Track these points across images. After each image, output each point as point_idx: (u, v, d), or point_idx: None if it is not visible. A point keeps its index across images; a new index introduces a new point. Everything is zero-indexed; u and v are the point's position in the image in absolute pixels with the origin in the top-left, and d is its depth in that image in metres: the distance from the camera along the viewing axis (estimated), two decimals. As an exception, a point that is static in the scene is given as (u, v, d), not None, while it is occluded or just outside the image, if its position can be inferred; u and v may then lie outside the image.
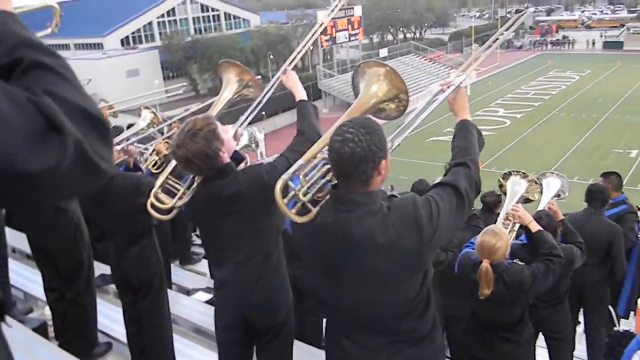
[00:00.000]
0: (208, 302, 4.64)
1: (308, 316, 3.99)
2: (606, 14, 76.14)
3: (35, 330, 3.77)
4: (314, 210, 1.92)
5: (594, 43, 58.10)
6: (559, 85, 41.38)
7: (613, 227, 4.84)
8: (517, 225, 3.91)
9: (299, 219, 1.91)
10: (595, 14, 76.38)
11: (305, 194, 1.91)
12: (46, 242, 3.53)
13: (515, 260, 3.41)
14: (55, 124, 0.83)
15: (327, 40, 41.48)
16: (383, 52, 46.73)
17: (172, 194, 2.62)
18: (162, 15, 49.57)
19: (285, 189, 1.93)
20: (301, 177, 1.94)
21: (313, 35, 2.96)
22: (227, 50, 44.69)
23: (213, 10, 53.01)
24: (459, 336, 3.72)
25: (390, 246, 1.82)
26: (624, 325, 5.60)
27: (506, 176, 4.40)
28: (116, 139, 3.78)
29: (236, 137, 2.79)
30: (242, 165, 2.60)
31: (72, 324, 3.61)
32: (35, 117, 0.82)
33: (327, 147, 1.89)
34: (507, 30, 2.82)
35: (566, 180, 4.78)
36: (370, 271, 1.88)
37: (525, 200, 4.31)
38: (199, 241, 6.73)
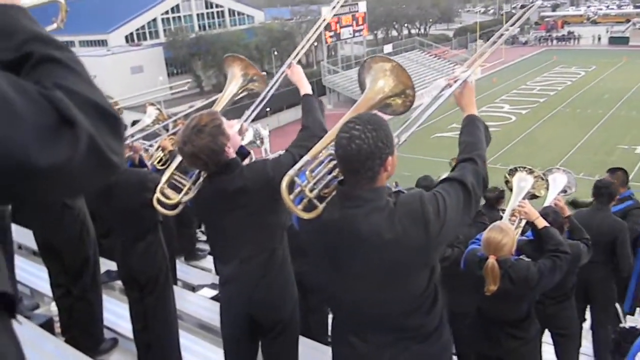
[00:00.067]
0: (213, 298, 4.65)
1: (313, 312, 3.99)
2: (612, 9, 75.68)
3: (41, 326, 3.78)
4: (321, 206, 1.91)
5: (599, 38, 57.79)
6: (564, 81, 41.20)
7: (618, 223, 4.81)
8: (524, 222, 3.90)
9: (306, 215, 1.90)
10: (601, 9, 75.94)
11: (311, 190, 1.91)
12: (52, 238, 3.54)
13: (521, 257, 3.40)
14: (67, 117, 0.82)
15: (331, 37, 41.44)
16: (387, 48, 46.62)
17: (178, 190, 2.62)
18: (167, 12, 49.63)
19: (292, 185, 1.93)
20: (307, 173, 1.94)
21: (318, 28, 2.94)
22: (231, 46, 44.63)
23: (217, 6, 53.04)
24: (465, 333, 3.71)
25: (397, 242, 1.81)
26: (630, 322, 5.58)
27: (512, 172, 4.38)
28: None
29: (241, 132, 2.79)
30: (246, 161, 2.59)
31: (78, 320, 3.62)
32: (47, 111, 0.81)
33: (333, 144, 1.89)
34: (513, 24, 2.80)
35: (573, 176, 4.76)
36: (377, 267, 1.88)
37: (532, 197, 4.29)
38: (204, 237, 6.74)
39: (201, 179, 2.54)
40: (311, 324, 3.98)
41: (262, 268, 2.56)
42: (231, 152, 2.46)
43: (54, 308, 3.87)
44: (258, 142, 6.11)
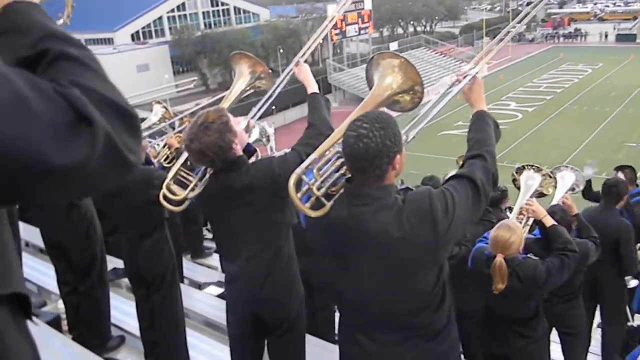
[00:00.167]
0: (219, 296, 4.65)
1: (320, 311, 3.98)
2: (619, 6, 75.14)
3: (48, 323, 3.79)
4: (328, 204, 1.90)
5: (606, 36, 57.42)
6: (571, 79, 40.99)
7: (621, 223, 4.75)
8: (531, 220, 3.88)
9: (313, 213, 1.90)
10: (608, 6, 75.39)
11: (319, 188, 1.90)
12: (59, 236, 3.55)
13: (529, 255, 3.38)
14: (84, 115, 0.81)
15: (337, 34, 41.37)
16: (393, 46, 46.48)
17: (184, 186, 2.62)
18: (172, 10, 49.66)
19: (299, 183, 1.92)
20: (315, 171, 1.93)
21: (325, 28, 2.94)
22: (237, 44, 44.57)
23: (223, 4, 53.03)
24: (473, 331, 3.69)
25: (405, 240, 1.80)
26: (638, 321, 5.55)
27: (520, 170, 4.36)
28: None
29: (248, 129, 2.79)
30: (252, 159, 2.59)
31: (85, 318, 3.63)
32: (64, 109, 0.80)
33: (340, 142, 1.88)
34: (520, 21, 2.79)
35: (580, 174, 4.74)
36: (385, 265, 1.87)
37: (539, 195, 4.27)
38: (210, 235, 6.74)
39: (207, 176, 2.54)
40: (318, 322, 3.97)
41: (267, 266, 2.56)
42: (238, 149, 2.45)
43: (61, 305, 3.88)
44: (264, 139, 6.11)
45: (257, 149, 3.36)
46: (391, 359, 1.99)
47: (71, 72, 0.87)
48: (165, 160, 4.22)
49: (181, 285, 3.85)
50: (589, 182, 5.96)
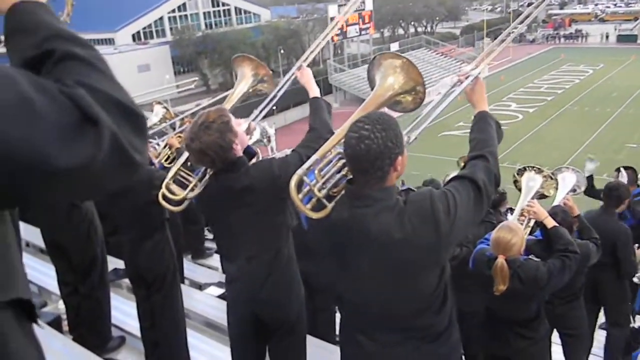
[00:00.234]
0: (220, 296, 4.65)
1: (321, 312, 3.98)
2: (620, 7, 75.10)
3: (49, 324, 3.79)
4: (329, 205, 1.90)
5: (607, 36, 57.39)
6: (572, 79, 40.96)
7: (619, 227, 4.74)
8: (532, 221, 3.87)
9: (315, 215, 1.89)
10: (609, 7, 75.33)
11: (320, 190, 1.90)
12: (60, 237, 3.55)
13: (530, 256, 3.38)
14: (90, 115, 0.80)
15: (337, 35, 41.31)
16: (394, 47, 46.44)
17: (183, 186, 2.62)
18: (173, 11, 49.66)
19: (301, 185, 1.92)
20: (316, 172, 1.92)
21: (330, 31, 2.95)
22: (237, 45, 44.64)
23: (224, 5, 53.03)
24: (474, 332, 3.69)
25: (407, 241, 1.79)
26: (638, 321, 5.54)
27: (521, 172, 4.36)
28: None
29: (249, 131, 2.79)
30: (253, 161, 2.59)
31: (86, 318, 3.63)
32: (69, 110, 0.79)
33: (342, 143, 1.87)
34: (522, 22, 2.78)
35: (582, 175, 4.73)
36: (386, 267, 1.86)
37: (541, 196, 4.26)
38: (211, 236, 6.74)
39: (207, 177, 2.53)
40: (319, 323, 3.96)
41: (267, 267, 2.55)
42: (239, 150, 2.45)
43: (61, 306, 3.87)
44: (265, 140, 6.11)
45: (258, 149, 3.34)
46: None
47: (77, 72, 0.87)
48: (166, 160, 4.22)
49: (182, 285, 3.85)
50: (590, 179, 5.95)
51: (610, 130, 28.56)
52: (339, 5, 41.82)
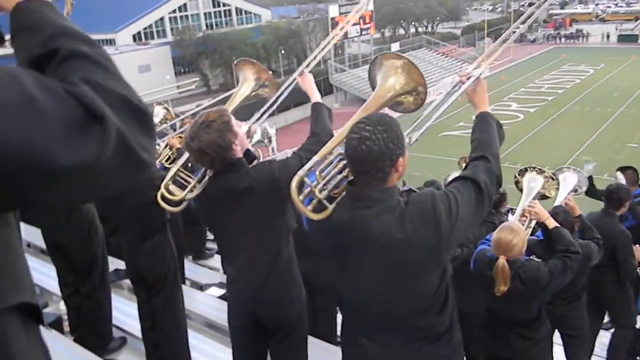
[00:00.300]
0: (221, 297, 4.65)
1: (322, 312, 3.98)
2: (621, 6, 75.06)
3: (50, 324, 3.79)
4: (330, 207, 1.89)
5: (608, 36, 57.36)
6: (572, 79, 40.93)
7: (618, 230, 4.72)
8: (534, 222, 3.87)
9: (315, 216, 1.89)
10: (610, 6, 75.30)
11: (321, 191, 1.89)
12: (60, 237, 3.54)
13: (532, 257, 3.37)
14: (95, 113, 0.79)
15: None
16: (395, 47, 46.45)
17: (183, 187, 2.61)
18: (174, 11, 49.69)
19: (301, 186, 1.91)
20: (317, 173, 1.92)
21: (332, 40, 2.97)
22: (238, 45, 44.68)
23: (224, 5, 53.06)
24: (475, 333, 3.68)
25: (408, 242, 1.79)
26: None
27: (522, 172, 4.36)
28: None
29: (249, 134, 2.78)
30: (253, 164, 2.58)
31: (87, 319, 3.62)
32: (73, 108, 0.78)
33: (343, 144, 1.87)
34: (524, 22, 2.77)
35: (583, 175, 4.72)
36: (387, 268, 1.86)
37: (542, 197, 4.26)
38: (212, 236, 6.74)
39: (206, 178, 2.53)
40: (320, 324, 3.96)
41: (267, 268, 2.55)
42: (238, 151, 2.44)
43: (62, 307, 3.87)
44: (266, 141, 6.11)
45: (259, 150, 3.32)
46: None
47: (82, 69, 0.86)
48: (166, 160, 4.22)
49: (183, 286, 3.84)
50: (590, 179, 5.93)
51: (611, 130, 28.53)
52: (340, 6, 41.91)
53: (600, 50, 52.31)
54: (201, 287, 5.36)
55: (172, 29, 48.79)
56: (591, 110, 32.47)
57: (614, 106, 32.57)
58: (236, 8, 53.90)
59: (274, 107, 2.99)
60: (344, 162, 1.91)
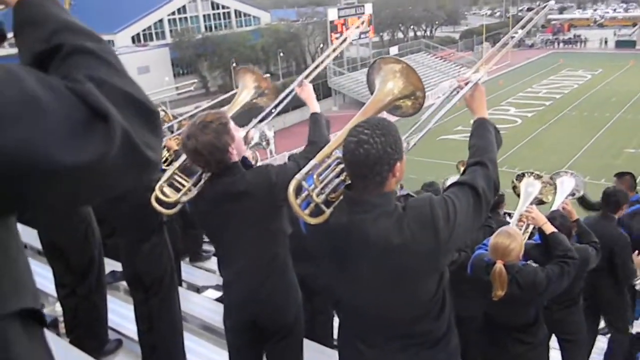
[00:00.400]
0: (218, 299, 4.64)
1: (319, 315, 3.97)
2: (619, 12, 75.38)
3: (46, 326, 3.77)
4: (327, 211, 1.88)
5: (606, 42, 57.59)
6: (570, 84, 41.06)
7: (616, 233, 4.72)
8: (531, 227, 3.87)
9: (313, 220, 1.87)
10: (608, 12, 75.68)
11: (318, 195, 1.88)
12: (57, 238, 3.53)
13: (529, 262, 3.37)
14: (99, 111, 0.78)
15: (337, 38, 41.28)
16: (393, 50, 46.55)
17: (178, 190, 2.60)
18: (173, 13, 49.72)
19: (299, 189, 1.90)
20: (315, 177, 1.91)
21: (330, 53, 2.99)
22: (237, 47, 44.74)
23: (223, 7, 53.11)
24: (473, 337, 3.68)
25: (406, 247, 1.79)
26: (636, 327, 5.53)
27: (520, 177, 4.36)
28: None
29: (247, 139, 2.78)
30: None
31: (83, 321, 3.61)
32: (77, 107, 0.77)
33: (341, 147, 1.87)
34: (523, 27, 2.78)
35: (580, 179, 4.72)
36: (385, 272, 1.85)
37: (539, 202, 4.27)
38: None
39: (202, 182, 2.52)
40: (316, 326, 3.95)
41: (264, 272, 2.55)
42: (234, 155, 2.43)
43: (58, 308, 3.85)
44: (264, 143, 6.10)
45: (257, 153, 3.32)
46: None
47: (86, 65, 0.84)
48: (164, 162, 4.21)
49: (179, 288, 3.83)
50: (582, 199, 5.88)
51: (608, 135, 28.61)
52: (339, 9, 41.98)
53: (598, 55, 52.52)
54: (198, 290, 5.35)
55: (171, 30, 48.81)
56: (589, 116, 32.56)
57: (612, 111, 32.67)
58: (235, 10, 53.96)
59: (272, 115, 3.01)
60: (342, 165, 1.91)
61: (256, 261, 2.53)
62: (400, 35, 63.39)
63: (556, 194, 4.48)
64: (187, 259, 6.38)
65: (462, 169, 3.33)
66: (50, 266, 3.73)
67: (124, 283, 4.27)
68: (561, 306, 4.08)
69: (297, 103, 3.06)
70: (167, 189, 2.61)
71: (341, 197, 1.90)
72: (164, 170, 3.85)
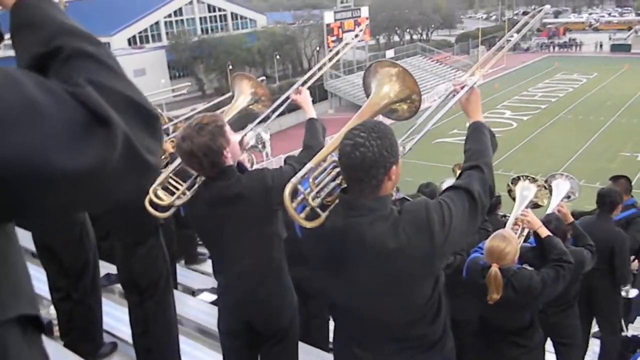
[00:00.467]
0: (213, 302, 4.62)
1: (314, 319, 3.97)
2: (614, 16, 75.77)
3: (40, 329, 3.75)
4: (323, 215, 1.88)
5: (601, 45, 57.83)
6: (566, 88, 41.21)
7: (616, 233, 4.73)
8: (526, 230, 3.88)
9: (308, 224, 1.87)
10: (603, 16, 76.00)
11: (314, 199, 1.88)
12: (52, 241, 3.52)
13: (524, 265, 3.38)
14: (100, 115, 0.76)
15: (333, 41, 41.46)
16: (389, 54, 46.64)
17: (172, 194, 2.59)
18: (169, 15, 49.72)
19: (295, 193, 1.90)
20: (311, 180, 1.91)
21: (326, 61, 3.01)
22: (233, 50, 44.77)
23: (220, 10, 53.12)
24: (468, 340, 3.68)
25: (401, 251, 1.78)
26: (632, 331, 5.55)
27: (515, 181, 4.36)
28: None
29: (242, 144, 2.78)
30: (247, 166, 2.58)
31: (78, 324, 3.59)
32: (76, 111, 0.75)
33: (337, 151, 1.86)
34: (519, 31, 2.79)
35: (576, 182, 4.72)
36: (380, 277, 1.85)
37: (534, 206, 4.27)
38: (204, 241, 6.70)
39: (196, 186, 2.50)
40: (312, 330, 3.95)
41: (259, 275, 2.54)
42: (229, 159, 2.42)
43: (52, 311, 3.84)
44: (260, 146, 6.10)
45: (253, 155, 3.31)
46: None
47: (87, 69, 0.83)
48: (160, 165, 4.21)
49: (175, 291, 3.82)
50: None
51: (603, 139, 28.72)
52: (335, 12, 42.04)
53: (593, 59, 52.72)
54: (193, 293, 5.33)
55: (167, 33, 48.81)
56: (584, 119, 32.68)
57: (607, 115, 32.80)
58: (231, 13, 53.99)
59: (269, 121, 3.02)
60: (338, 169, 1.90)
61: (251, 265, 2.52)
62: (397, 38, 63.56)
63: (551, 197, 4.48)
64: (183, 262, 6.36)
65: (458, 172, 3.33)
66: (44, 269, 3.71)
67: (119, 286, 4.25)
68: (557, 310, 4.08)
69: (293, 105, 3.06)
70: (161, 192, 2.60)
71: (337, 201, 1.90)
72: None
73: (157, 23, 49.14)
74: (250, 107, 3.05)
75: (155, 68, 43.73)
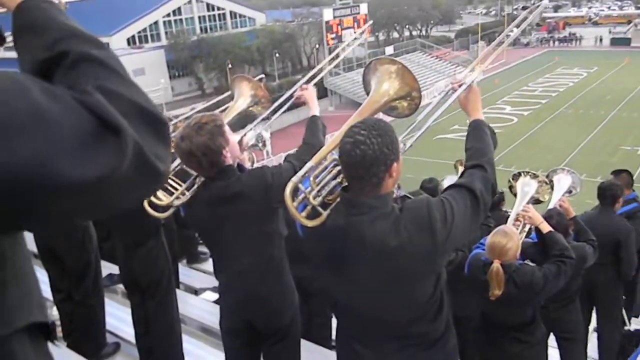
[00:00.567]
0: (216, 301, 4.62)
1: (315, 317, 3.96)
2: (614, 10, 75.60)
3: (43, 330, 3.75)
4: (324, 213, 1.88)
5: (601, 40, 57.77)
6: (566, 82, 41.17)
7: (622, 226, 4.72)
8: (528, 226, 3.87)
9: (309, 223, 1.87)
10: (603, 10, 75.81)
11: (315, 197, 1.88)
12: (53, 242, 3.52)
13: (526, 261, 3.38)
14: (109, 123, 0.75)
15: (332, 39, 41.44)
16: (389, 50, 46.60)
17: (171, 194, 2.59)
18: (168, 15, 49.65)
19: (295, 192, 1.89)
20: (311, 179, 1.91)
21: (327, 62, 3.01)
22: (233, 49, 44.72)
23: (219, 9, 53.05)
24: (470, 336, 3.68)
25: (403, 249, 1.78)
26: (635, 325, 5.55)
27: (516, 177, 4.36)
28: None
29: (242, 145, 2.77)
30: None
31: (80, 325, 3.60)
32: (85, 119, 0.74)
33: (337, 149, 1.86)
34: (518, 26, 2.78)
35: (577, 176, 4.71)
36: (382, 274, 1.85)
37: (536, 201, 4.27)
38: (206, 240, 6.70)
39: (195, 186, 2.50)
40: (314, 328, 3.95)
41: (260, 275, 2.54)
42: (229, 159, 2.41)
43: (55, 312, 3.84)
44: (260, 144, 6.09)
45: (253, 154, 3.31)
46: None
47: (94, 75, 0.81)
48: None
49: (177, 291, 3.83)
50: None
51: (604, 133, 28.71)
52: (334, 9, 41.99)
53: (593, 53, 52.66)
54: (195, 292, 5.33)
55: (166, 32, 48.74)
56: (584, 113, 32.65)
57: (607, 109, 32.78)
58: (230, 12, 53.92)
59: (270, 121, 3.02)
60: (339, 167, 1.90)
61: (251, 263, 2.52)
62: (396, 34, 63.46)
63: (553, 192, 4.47)
64: (185, 261, 6.36)
65: (460, 167, 3.32)
66: (46, 270, 3.71)
67: (121, 286, 4.25)
68: (558, 305, 4.08)
69: (293, 104, 3.07)
70: (159, 192, 2.59)
71: (338, 199, 1.90)
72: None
73: (156, 23, 49.08)
74: (250, 109, 3.06)
75: (155, 68, 43.71)
